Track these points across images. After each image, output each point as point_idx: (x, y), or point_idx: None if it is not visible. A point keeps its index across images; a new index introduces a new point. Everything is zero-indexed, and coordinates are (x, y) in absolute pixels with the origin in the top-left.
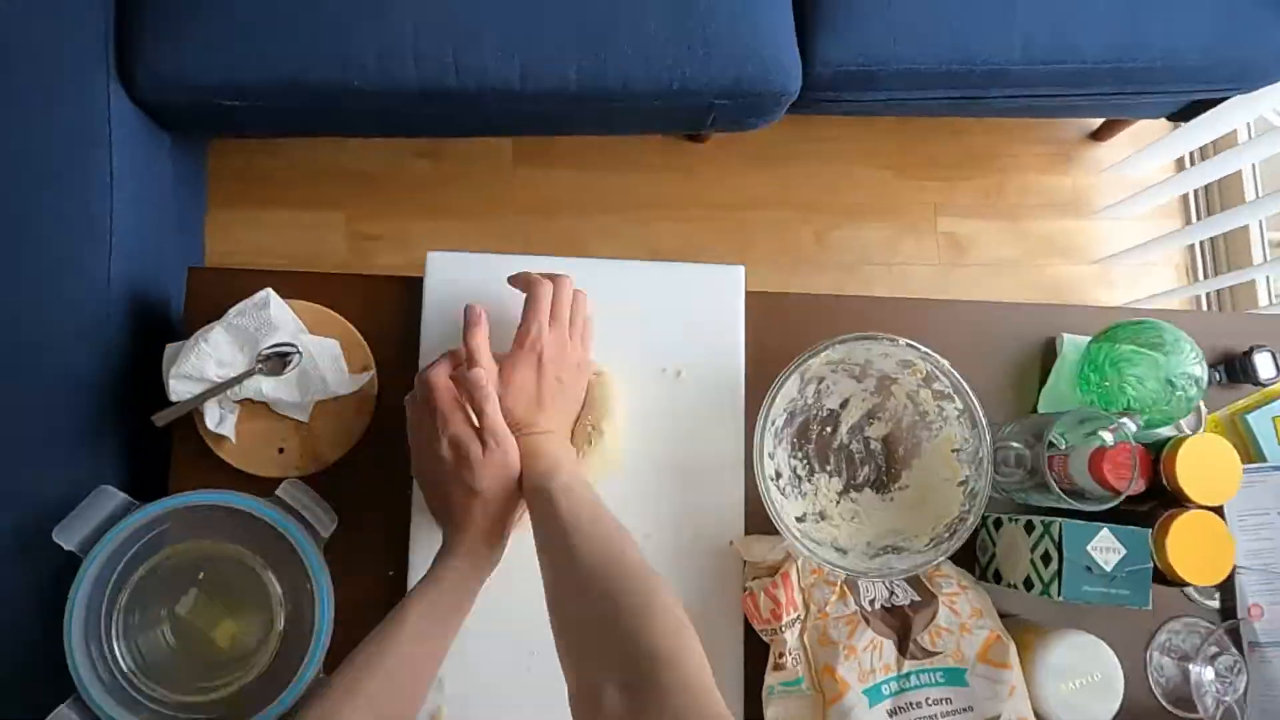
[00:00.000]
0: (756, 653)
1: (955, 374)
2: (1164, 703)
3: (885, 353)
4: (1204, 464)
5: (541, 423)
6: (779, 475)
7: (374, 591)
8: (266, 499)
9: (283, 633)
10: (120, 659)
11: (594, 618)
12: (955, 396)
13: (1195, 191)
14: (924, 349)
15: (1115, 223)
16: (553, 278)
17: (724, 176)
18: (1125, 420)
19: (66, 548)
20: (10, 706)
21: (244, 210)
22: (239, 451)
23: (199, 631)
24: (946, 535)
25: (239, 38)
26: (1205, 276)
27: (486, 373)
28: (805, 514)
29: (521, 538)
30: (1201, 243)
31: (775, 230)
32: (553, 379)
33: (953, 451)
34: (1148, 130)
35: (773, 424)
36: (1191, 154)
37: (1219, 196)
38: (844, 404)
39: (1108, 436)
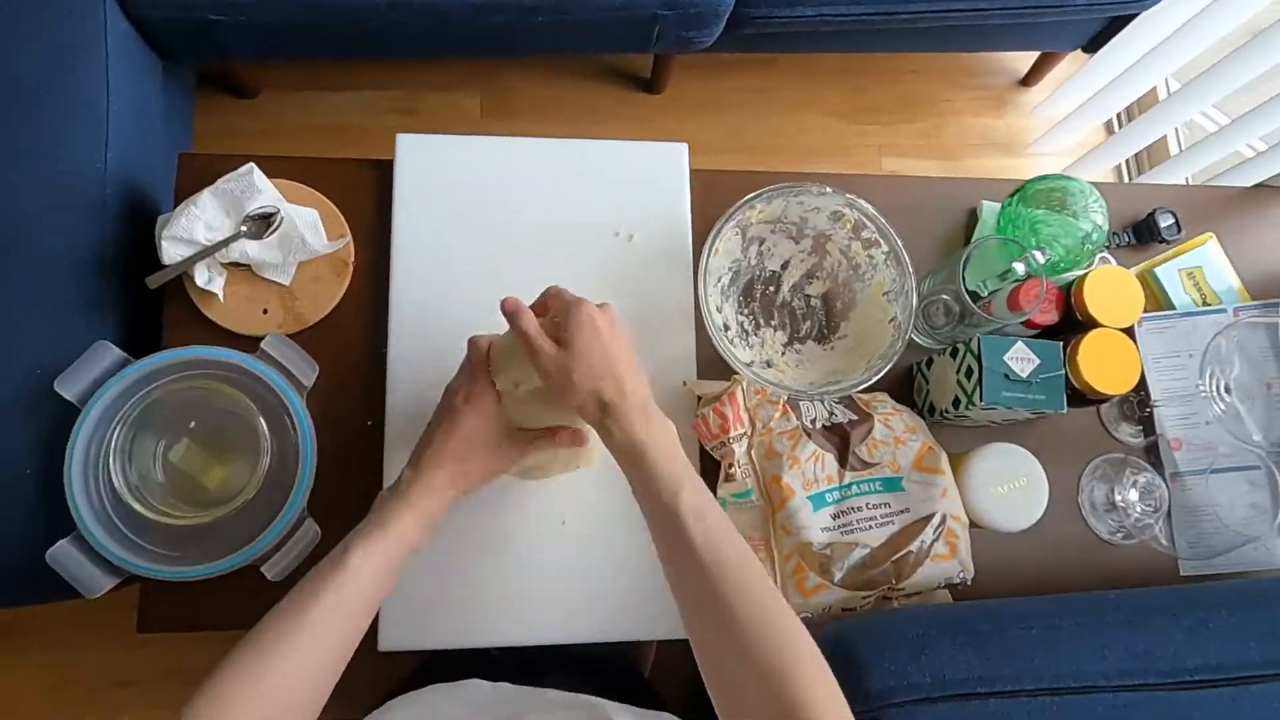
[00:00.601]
0: (711, 477)
1: (880, 218)
2: (1097, 531)
3: (816, 206)
4: (1108, 291)
5: (630, 391)
6: (727, 328)
7: (354, 440)
8: (253, 354)
9: (268, 469)
10: (114, 479)
11: (752, 682)
12: (882, 240)
13: (1117, 117)
14: (849, 195)
15: (1050, 159)
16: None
17: (680, 125)
18: (1034, 253)
19: (67, 398)
20: (13, 546)
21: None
22: (226, 312)
23: (189, 476)
24: (880, 364)
25: None
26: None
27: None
28: (753, 361)
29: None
30: (1128, 161)
31: (727, 173)
32: (618, 346)
33: (884, 295)
34: (1071, 75)
35: (719, 281)
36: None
37: (1138, 113)
38: (785, 265)
39: (1019, 267)
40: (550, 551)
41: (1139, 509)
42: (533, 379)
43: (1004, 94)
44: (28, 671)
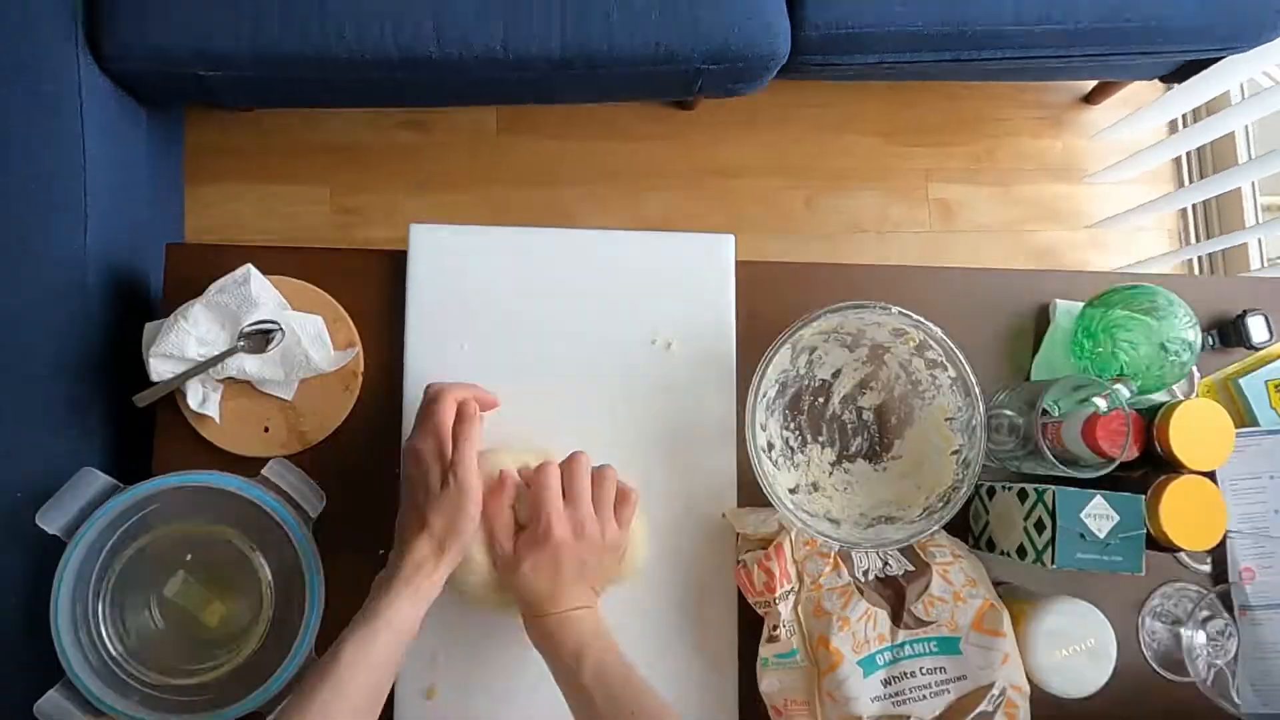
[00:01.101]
0: (750, 624)
1: (948, 341)
2: (1156, 667)
3: (877, 321)
4: (1197, 429)
5: (565, 601)
6: (771, 447)
7: (364, 570)
8: (253, 479)
9: (273, 614)
10: (108, 642)
11: None
12: (948, 365)
13: (1188, 154)
14: (916, 317)
15: (1108, 187)
16: (571, 457)
17: (713, 143)
18: (1119, 386)
19: (50, 531)
20: None
21: (224, 184)
22: (223, 431)
23: (187, 614)
24: (940, 505)
25: (210, 5)
26: (1197, 240)
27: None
28: (798, 485)
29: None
30: (1194, 206)
31: (765, 197)
32: (575, 562)
33: (946, 420)
34: (1140, 93)
35: (764, 396)
36: (1184, 116)
37: (1211, 159)
38: (836, 374)
39: (1101, 403)
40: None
41: (1206, 652)
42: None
43: (1064, 113)
44: None
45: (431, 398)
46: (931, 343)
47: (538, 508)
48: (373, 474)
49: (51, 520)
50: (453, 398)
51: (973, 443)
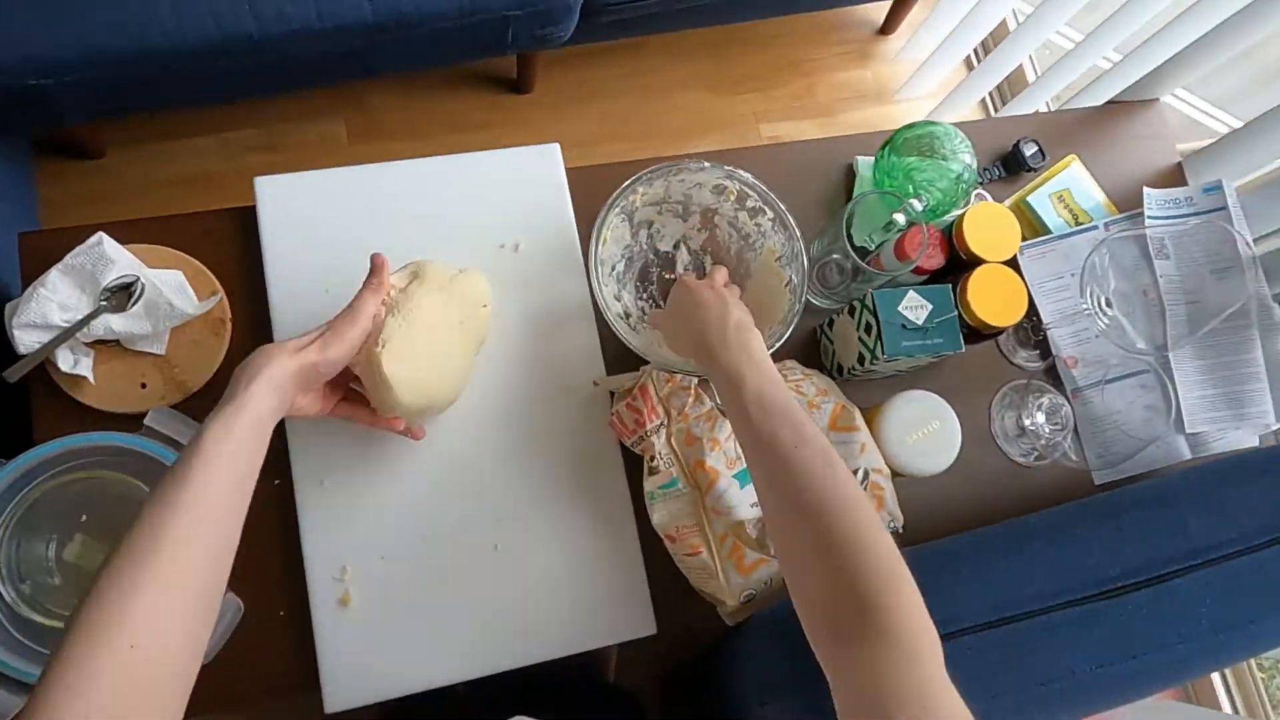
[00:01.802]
0: (638, 477)
1: (760, 185)
2: (1007, 451)
3: (697, 182)
4: (987, 226)
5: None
6: (628, 315)
7: (263, 502)
8: (137, 433)
9: None
10: (11, 604)
11: (809, 552)
12: (766, 208)
13: (975, 51)
14: (727, 168)
15: (920, 102)
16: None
17: (555, 121)
18: (912, 202)
19: None
20: None
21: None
22: (99, 391)
23: (90, 574)
24: (781, 330)
25: (31, 11)
26: (996, 112)
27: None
28: (656, 342)
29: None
30: (991, 94)
31: (612, 161)
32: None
33: (776, 260)
34: (924, 17)
35: (613, 269)
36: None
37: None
38: (677, 245)
39: (899, 217)
40: (487, 579)
41: (1047, 429)
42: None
43: (866, 45)
44: None
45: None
46: (748, 190)
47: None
48: None
49: None
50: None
51: (798, 269)
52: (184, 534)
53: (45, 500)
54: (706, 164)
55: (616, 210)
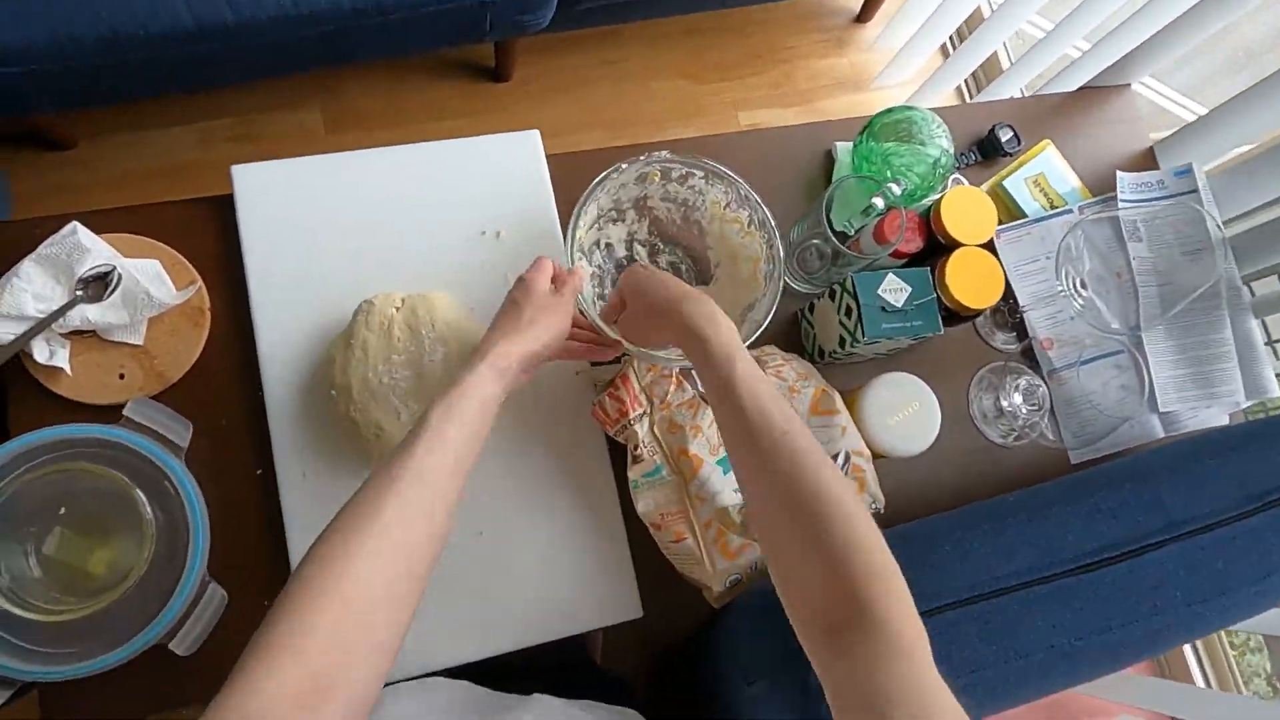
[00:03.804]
0: (622, 465)
1: (676, 157)
2: (986, 433)
3: (621, 183)
4: (964, 210)
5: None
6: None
7: (246, 492)
8: (116, 424)
9: (155, 545)
10: None
11: (797, 546)
12: (690, 170)
13: (950, 38)
14: (643, 157)
15: (898, 90)
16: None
17: (534, 110)
18: (890, 185)
19: None
20: None
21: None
22: (77, 384)
23: (71, 568)
24: (771, 270)
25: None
26: (971, 98)
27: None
28: None
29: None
30: (966, 81)
31: (590, 149)
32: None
33: (724, 208)
34: (900, 5)
35: (588, 281)
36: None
37: (969, 32)
38: (629, 245)
39: (878, 202)
40: (473, 566)
41: (1025, 410)
42: None
43: (843, 33)
44: None
45: (534, 268)
46: (671, 165)
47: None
48: (237, 402)
49: None
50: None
51: (753, 207)
52: (402, 504)
53: (23, 494)
54: (624, 165)
55: (574, 249)
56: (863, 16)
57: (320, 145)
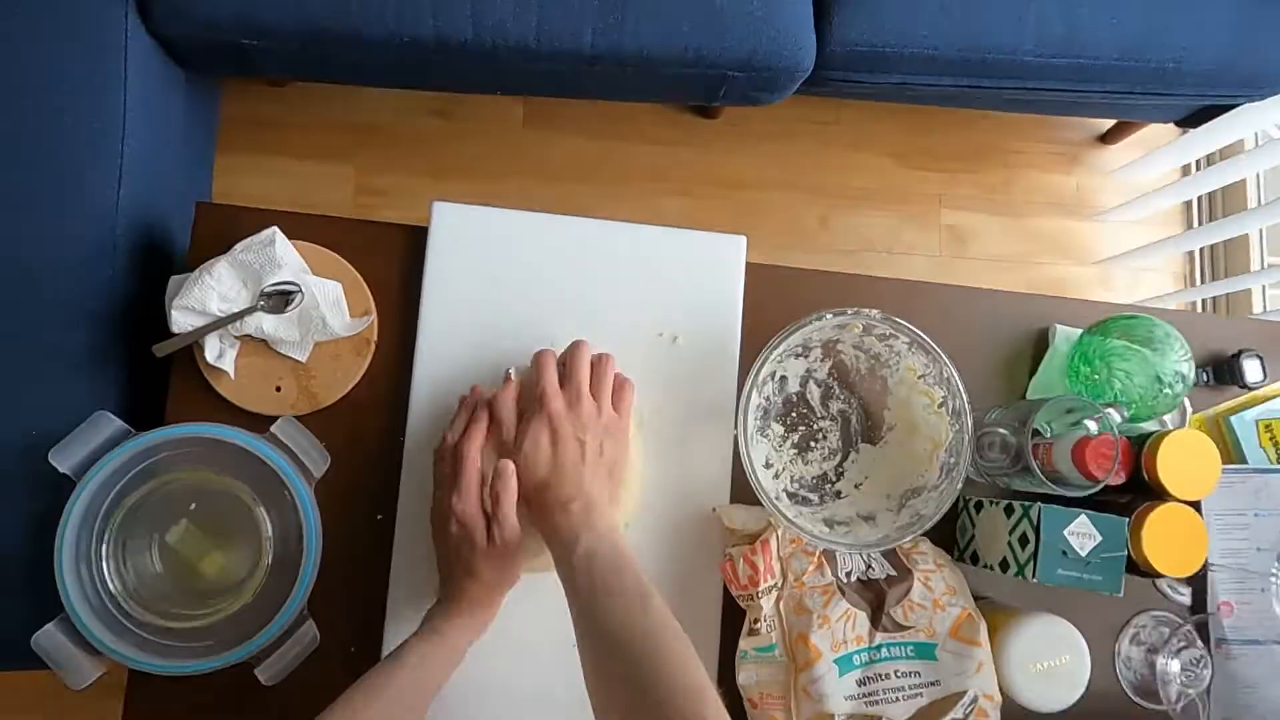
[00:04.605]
0: (732, 615)
1: (888, 316)
2: (1129, 693)
3: (819, 327)
4: (1185, 459)
5: (564, 488)
6: (770, 465)
7: (361, 534)
8: (261, 435)
9: (269, 567)
10: (109, 582)
11: (619, 703)
12: (897, 335)
13: (1199, 199)
14: (850, 311)
15: (1119, 226)
16: (573, 344)
17: (731, 153)
18: (1110, 410)
19: (61, 470)
20: None
21: (252, 156)
22: (236, 387)
23: (187, 561)
24: (952, 461)
25: None
26: (1203, 283)
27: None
28: (811, 483)
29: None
30: (1201, 250)
31: (779, 210)
32: (572, 441)
33: (919, 379)
34: (1156, 135)
35: (750, 427)
36: (1198, 161)
37: (1222, 204)
38: (804, 382)
39: (1092, 425)
40: (560, 680)
41: (1180, 680)
42: None
43: (1079, 150)
44: None
45: (459, 455)
46: (874, 323)
47: (535, 386)
48: (378, 441)
49: (63, 459)
50: (476, 449)
51: (952, 392)
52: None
53: (161, 485)
54: (828, 314)
55: (751, 392)
56: (1108, 138)
57: (514, 136)
